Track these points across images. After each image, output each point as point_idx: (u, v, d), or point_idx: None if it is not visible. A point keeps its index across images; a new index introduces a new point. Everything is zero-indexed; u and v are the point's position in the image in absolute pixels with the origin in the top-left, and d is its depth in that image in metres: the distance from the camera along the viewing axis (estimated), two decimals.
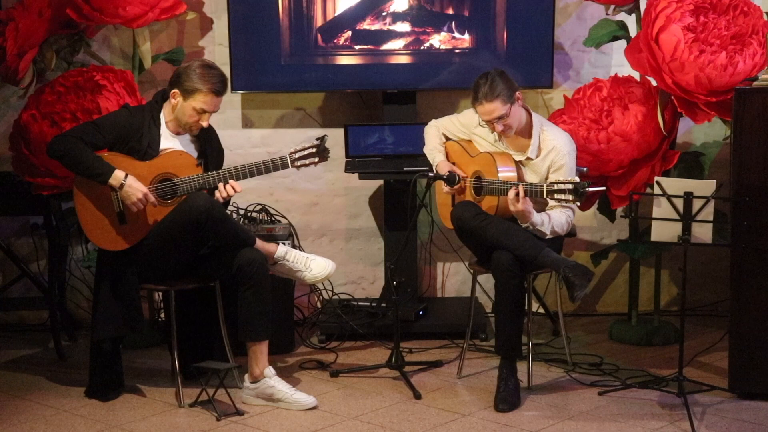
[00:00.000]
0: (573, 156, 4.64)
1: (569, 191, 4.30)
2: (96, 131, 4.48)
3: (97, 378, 4.60)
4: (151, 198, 4.45)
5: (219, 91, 4.51)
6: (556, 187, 4.34)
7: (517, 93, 4.56)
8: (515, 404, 4.43)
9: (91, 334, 4.62)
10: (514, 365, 4.52)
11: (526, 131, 4.65)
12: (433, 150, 4.85)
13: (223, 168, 4.60)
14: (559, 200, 4.36)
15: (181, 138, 4.61)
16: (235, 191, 4.53)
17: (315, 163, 4.62)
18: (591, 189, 4.35)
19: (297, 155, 4.59)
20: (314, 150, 4.59)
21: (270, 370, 4.49)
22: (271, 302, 4.54)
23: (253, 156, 5.52)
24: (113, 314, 4.53)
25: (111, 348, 4.59)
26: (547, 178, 4.60)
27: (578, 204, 4.39)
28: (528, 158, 4.62)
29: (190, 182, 4.50)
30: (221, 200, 4.53)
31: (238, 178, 4.53)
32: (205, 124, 4.55)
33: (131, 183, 4.41)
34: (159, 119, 4.57)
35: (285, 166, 4.57)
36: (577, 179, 4.32)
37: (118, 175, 4.41)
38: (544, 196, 4.40)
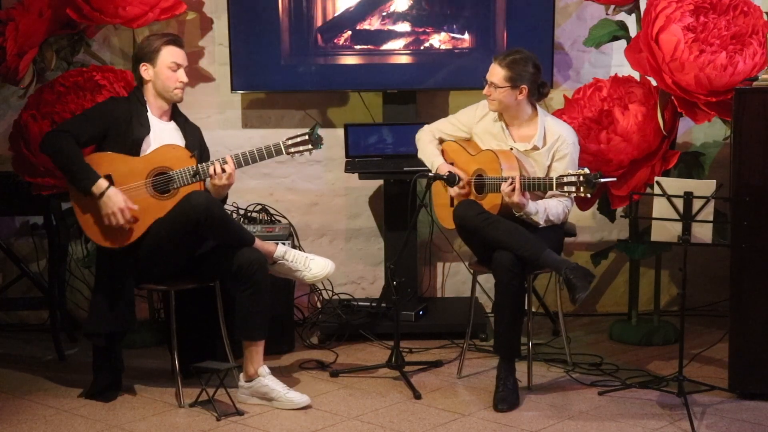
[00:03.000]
0: (577, 146, 4.70)
1: (581, 183, 4.31)
2: (86, 122, 4.52)
3: (101, 379, 4.59)
4: (128, 215, 4.42)
5: (176, 40, 4.62)
6: (566, 179, 4.36)
7: (522, 87, 4.59)
8: (514, 404, 4.43)
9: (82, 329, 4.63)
10: (513, 365, 4.52)
11: (532, 122, 4.69)
12: (430, 154, 4.85)
13: (217, 159, 4.60)
14: (569, 192, 4.38)
15: (167, 124, 4.64)
16: (225, 171, 4.49)
17: (309, 151, 4.60)
18: (602, 180, 4.36)
19: (290, 142, 4.58)
20: (306, 138, 4.58)
21: (264, 369, 4.49)
22: (269, 303, 4.54)
23: None
24: (106, 311, 4.52)
25: (104, 344, 4.57)
26: (549, 167, 4.62)
27: (589, 195, 4.40)
28: (534, 147, 4.64)
29: (185, 174, 4.50)
30: (217, 193, 4.54)
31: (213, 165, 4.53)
32: (184, 78, 4.59)
33: (110, 195, 4.41)
34: (144, 102, 4.62)
35: (279, 152, 4.57)
36: (588, 171, 4.33)
37: (101, 184, 4.41)
38: (554, 189, 4.42)
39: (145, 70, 4.58)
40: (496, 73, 4.62)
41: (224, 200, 4.69)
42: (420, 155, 4.90)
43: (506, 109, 4.68)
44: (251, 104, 5.70)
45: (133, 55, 4.66)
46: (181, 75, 4.60)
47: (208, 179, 4.54)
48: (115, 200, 4.42)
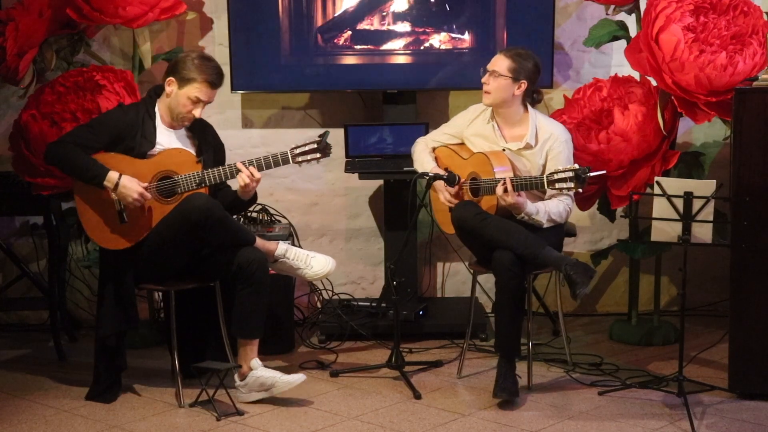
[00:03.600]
0: (570, 144, 4.71)
1: (570, 179, 4.32)
2: (91, 133, 4.50)
3: (102, 380, 4.59)
4: (148, 195, 4.45)
5: (215, 83, 4.53)
6: (556, 176, 4.36)
7: (523, 82, 4.61)
8: (514, 392, 4.42)
9: (96, 333, 4.61)
10: (513, 364, 4.52)
11: (523, 122, 4.70)
12: (424, 163, 4.85)
13: (229, 164, 4.60)
14: (561, 189, 4.38)
15: (177, 132, 4.62)
16: (255, 177, 4.51)
17: (317, 159, 4.60)
18: (592, 174, 4.36)
19: (298, 150, 4.58)
20: (315, 146, 4.58)
21: (256, 362, 4.50)
22: (267, 302, 4.54)
23: (253, 156, 5.51)
24: (114, 311, 4.53)
25: (114, 344, 4.58)
26: (545, 165, 4.63)
27: (580, 190, 4.40)
28: (527, 145, 4.64)
29: (190, 179, 4.50)
30: (245, 194, 4.54)
31: (239, 173, 4.52)
32: (197, 114, 4.55)
33: (125, 183, 4.41)
34: (154, 113, 4.58)
35: (286, 161, 4.57)
36: (577, 166, 4.34)
37: (111, 177, 4.41)
38: (545, 187, 4.43)
39: (169, 84, 4.53)
40: (500, 62, 4.64)
41: (254, 200, 4.68)
42: (415, 166, 4.91)
43: (501, 104, 4.67)
44: (251, 104, 5.70)
45: (172, 61, 4.58)
46: (197, 111, 4.54)
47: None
48: (132, 186, 4.42)
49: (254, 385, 4.51)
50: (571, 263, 4.39)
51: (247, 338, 4.51)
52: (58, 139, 4.55)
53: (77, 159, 4.43)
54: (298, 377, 4.51)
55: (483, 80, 4.68)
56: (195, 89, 4.50)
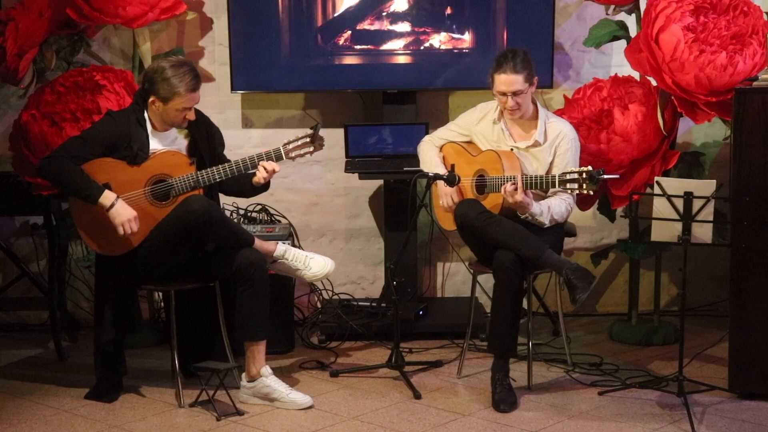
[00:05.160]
0: (577, 143, 4.72)
1: (584, 179, 4.32)
2: (84, 145, 4.47)
3: (103, 382, 4.59)
4: (135, 229, 4.41)
5: (195, 88, 4.48)
6: (569, 176, 4.37)
7: (535, 78, 4.63)
8: (514, 403, 4.42)
9: (95, 338, 4.61)
10: (507, 365, 4.52)
11: (533, 119, 4.70)
12: (431, 162, 4.84)
13: (222, 165, 4.59)
14: (572, 189, 4.38)
15: (170, 134, 4.60)
16: (275, 171, 4.54)
17: (310, 153, 4.60)
18: (606, 176, 4.36)
19: (291, 146, 4.58)
20: (308, 139, 4.57)
21: (266, 370, 4.49)
22: (269, 303, 4.54)
23: None
24: (114, 317, 4.53)
25: (114, 350, 4.58)
26: (552, 163, 4.63)
27: (592, 192, 4.40)
28: (536, 143, 4.64)
29: (184, 182, 4.49)
30: (262, 181, 4.56)
31: (232, 174, 4.52)
32: (191, 116, 4.53)
33: (119, 210, 4.39)
34: (144, 120, 4.56)
35: (279, 157, 4.57)
36: (590, 168, 4.34)
37: (107, 198, 4.39)
38: (557, 186, 4.43)
39: (153, 103, 4.49)
40: (516, 80, 4.55)
41: (266, 186, 4.67)
42: (421, 165, 4.89)
43: (527, 110, 4.66)
44: (251, 104, 5.70)
45: (147, 78, 4.49)
46: (190, 114, 4.53)
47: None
48: (124, 211, 4.40)
49: (260, 392, 4.50)
50: (572, 268, 4.39)
51: (253, 340, 4.50)
52: (51, 154, 4.52)
53: (71, 176, 4.40)
54: (306, 400, 4.47)
55: (510, 106, 4.57)
56: (179, 103, 4.46)
